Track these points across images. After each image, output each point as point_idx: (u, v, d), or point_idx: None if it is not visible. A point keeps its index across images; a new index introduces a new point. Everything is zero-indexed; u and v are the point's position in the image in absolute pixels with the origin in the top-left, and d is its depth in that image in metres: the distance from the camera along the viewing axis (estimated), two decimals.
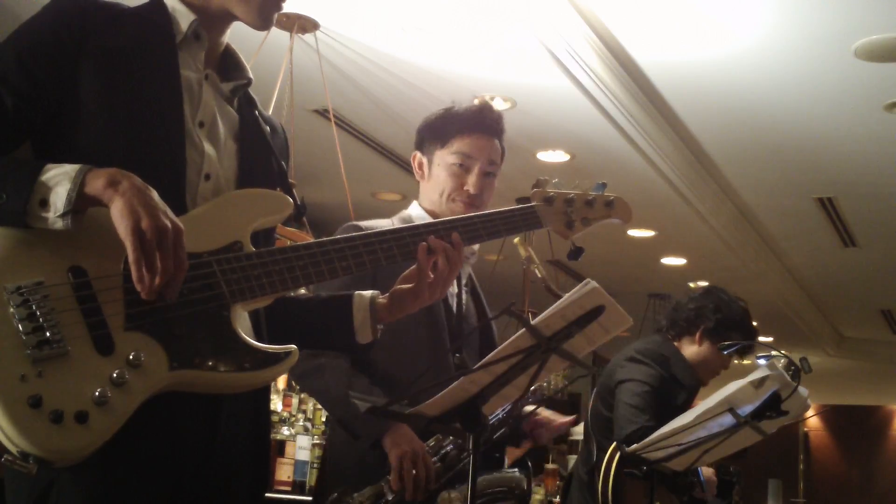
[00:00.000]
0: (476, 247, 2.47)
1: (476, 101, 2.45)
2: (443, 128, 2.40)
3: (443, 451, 2.27)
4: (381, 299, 1.78)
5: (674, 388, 3.51)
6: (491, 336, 2.54)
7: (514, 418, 2.39)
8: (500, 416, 2.30)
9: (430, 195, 2.43)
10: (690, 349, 3.62)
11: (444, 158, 2.38)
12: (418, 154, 2.45)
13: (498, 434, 2.37)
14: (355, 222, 2.34)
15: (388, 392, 2.26)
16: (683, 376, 3.54)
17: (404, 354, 2.29)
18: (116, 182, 1.37)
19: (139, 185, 1.38)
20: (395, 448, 2.19)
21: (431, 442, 2.27)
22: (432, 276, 1.72)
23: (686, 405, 3.54)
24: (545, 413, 2.56)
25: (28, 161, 1.45)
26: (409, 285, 1.75)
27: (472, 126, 2.38)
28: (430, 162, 2.42)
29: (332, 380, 2.27)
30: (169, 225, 1.36)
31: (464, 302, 2.47)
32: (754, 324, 3.74)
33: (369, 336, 1.77)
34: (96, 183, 1.37)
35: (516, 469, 2.43)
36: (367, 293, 1.79)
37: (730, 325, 3.59)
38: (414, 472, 2.17)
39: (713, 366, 3.64)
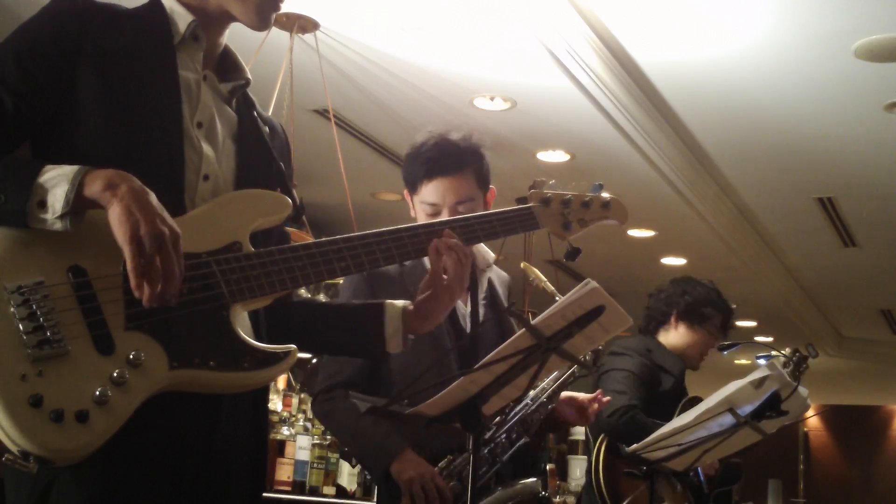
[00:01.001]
0: (492, 258, 2.50)
1: (437, 133, 2.40)
2: (412, 173, 2.39)
3: (458, 471, 2.27)
4: (411, 309, 1.78)
5: (659, 375, 3.56)
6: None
7: (528, 428, 2.40)
8: (515, 428, 2.31)
9: None
10: (669, 336, 3.68)
11: (418, 206, 2.38)
12: (406, 194, 2.45)
13: (518, 444, 2.37)
14: None
15: (399, 427, 2.31)
16: (667, 363, 3.60)
17: (407, 369, 2.31)
18: (115, 185, 1.37)
19: (137, 188, 1.38)
20: (402, 474, 2.24)
21: (443, 463, 2.28)
22: (446, 278, 1.72)
23: (675, 390, 3.58)
24: (568, 393, 2.55)
25: (27, 162, 1.45)
26: (427, 292, 1.75)
27: (430, 171, 2.34)
28: (412, 205, 2.43)
29: (344, 420, 2.36)
30: (167, 230, 1.36)
31: (480, 317, 2.47)
32: (742, 323, 3.79)
33: (400, 346, 1.78)
34: (94, 185, 1.37)
35: (532, 477, 2.43)
36: (399, 302, 1.79)
37: (700, 303, 3.66)
38: (426, 495, 2.21)
39: (696, 347, 3.68)
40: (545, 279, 2.27)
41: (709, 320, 3.68)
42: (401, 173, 2.45)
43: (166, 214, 1.39)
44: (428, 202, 2.35)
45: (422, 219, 2.37)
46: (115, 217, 1.35)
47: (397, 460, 2.26)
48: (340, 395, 2.36)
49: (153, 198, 1.39)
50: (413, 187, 2.39)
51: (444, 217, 2.29)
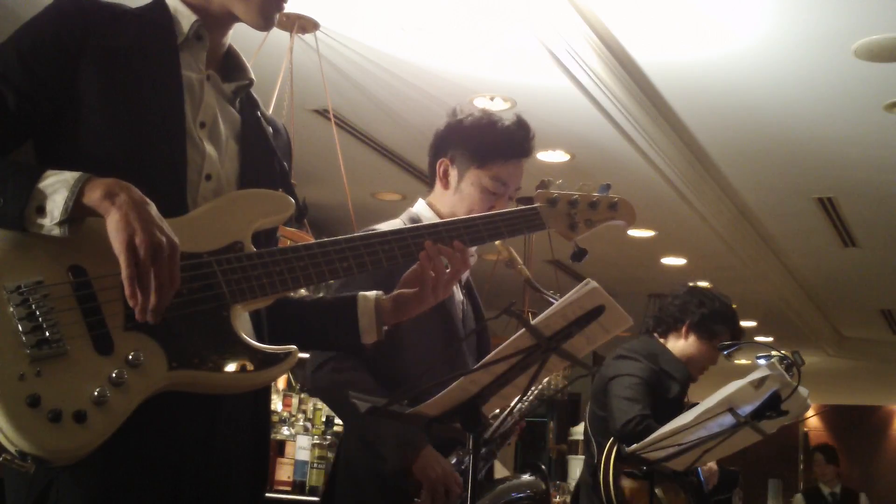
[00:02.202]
0: (474, 248, 2.47)
1: (512, 117, 2.40)
2: (484, 147, 2.35)
3: (463, 466, 2.26)
4: (385, 301, 1.78)
5: (665, 381, 3.55)
6: (487, 337, 2.54)
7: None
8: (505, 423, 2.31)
9: (452, 206, 2.40)
10: (677, 344, 3.67)
11: (481, 179, 2.34)
12: (447, 162, 2.40)
13: (506, 440, 2.38)
14: (372, 227, 2.33)
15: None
16: (673, 370, 3.59)
17: (423, 363, 2.27)
18: (114, 194, 1.37)
19: (137, 197, 1.38)
20: (426, 471, 2.17)
21: (453, 459, 2.26)
22: (433, 275, 1.72)
23: (680, 398, 3.58)
24: None
25: (28, 166, 1.45)
26: (412, 290, 1.75)
27: (512, 152, 2.35)
28: (460, 175, 2.38)
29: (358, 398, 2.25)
30: (164, 241, 1.36)
31: (464, 306, 2.47)
32: (742, 323, 3.78)
33: (374, 337, 1.79)
34: (94, 194, 1.37)
35: (529, 473, 2.43)
36: (371, 294, 1.79)
37: (714, 318, 3.65)
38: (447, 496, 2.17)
39: (701, 360, 3.67)
40: (520, 260, 2.23)
41: (718, 337, 3.67)
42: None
43: (165, 225, 1.38)
44: (501, 180, 2.34)
45: (472, 195, 2.35)
46: (113, 225, 1.35)
47: (421, 456, 2.18)
48: (353, 365, 2.23)
49: (153, 208, 1.39)
50: (480, 161, 2.35)
51: (503, 200, 2.34)
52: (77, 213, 1.37)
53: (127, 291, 1.35)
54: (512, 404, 2.28)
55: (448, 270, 1.72)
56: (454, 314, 2.38)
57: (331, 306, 1.82)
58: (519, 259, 2.23)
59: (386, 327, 1.79)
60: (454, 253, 1.71)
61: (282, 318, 1.74)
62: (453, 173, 2.39)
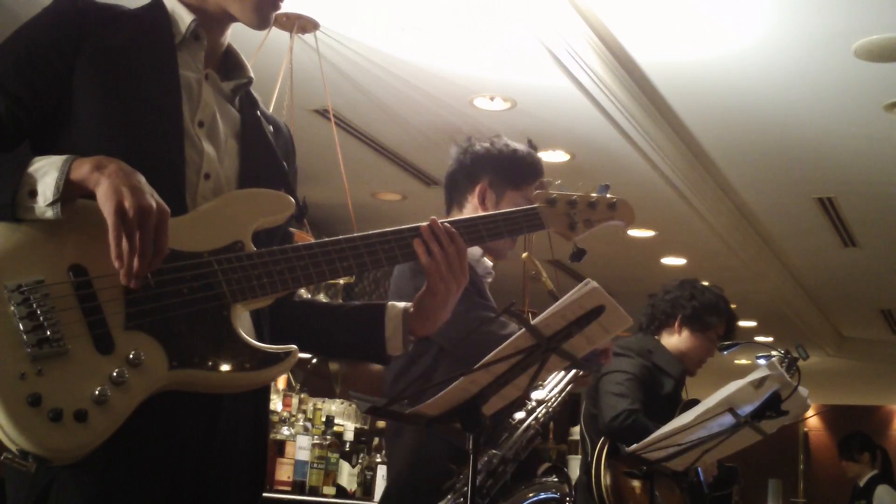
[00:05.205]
0: (490, 265, 2.57)
1: (525, 144, 2.61)
2: (519, 173, 2.55)
3: (491, 468, 2.25)
4: (412, 310, 1.75)
5: (659, 377, 3.55)
6: None
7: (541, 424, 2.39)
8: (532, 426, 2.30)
9: None
10: (671, 339, 3.67)
11: (516, 200, 2.51)
12: (486, 186, 2.55)
13: (532, 443, 2.37)
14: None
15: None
16: (667, 366, 3.59)
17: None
18: (103, 166, 1.38)
19: (125, 168, 1.38)
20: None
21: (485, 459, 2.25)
22: (437, 263, 1.70)
23: (675, 394, 3.58)
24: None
25: (15, 155, 1.45)
26: (423, 288, 1.74)
27: (539, 175, 2.56)
28: (499, 198, 2.54)
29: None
30: (153, 205, 1.36)
31: None
32: (742, 323, 3.79)
33: (400, 348, 1.75)
34: (82, 169, 1.38)
35: (554, 476, 2.43)
36: (401, 304, 1.77)
37: (706, 310, 3.65)
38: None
39: (697, 354, 3.67)
40: (546, 275, 2.27)
41: (712, 328, 3.66)
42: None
43: (155, 193, 1.39)
44: (529, 200, 2.52)
45: None
46: (102, 192, 1.36)
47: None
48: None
49: (142, 177, 1.39)
50: (516, 184, 2.54)
51: None
52: (68, 191, 1.37)
53: (112, 252, 1.35)
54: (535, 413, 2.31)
55: (445, 258, 1.69)
56: None
57: (357, 312, 1.80)
58: (545, 273, 2.30)
59: (412, 338, 1.75)
60: (446, 237, 1.68)
61: (306, 321, 1.74)
62: (492, 197, 2.55)
